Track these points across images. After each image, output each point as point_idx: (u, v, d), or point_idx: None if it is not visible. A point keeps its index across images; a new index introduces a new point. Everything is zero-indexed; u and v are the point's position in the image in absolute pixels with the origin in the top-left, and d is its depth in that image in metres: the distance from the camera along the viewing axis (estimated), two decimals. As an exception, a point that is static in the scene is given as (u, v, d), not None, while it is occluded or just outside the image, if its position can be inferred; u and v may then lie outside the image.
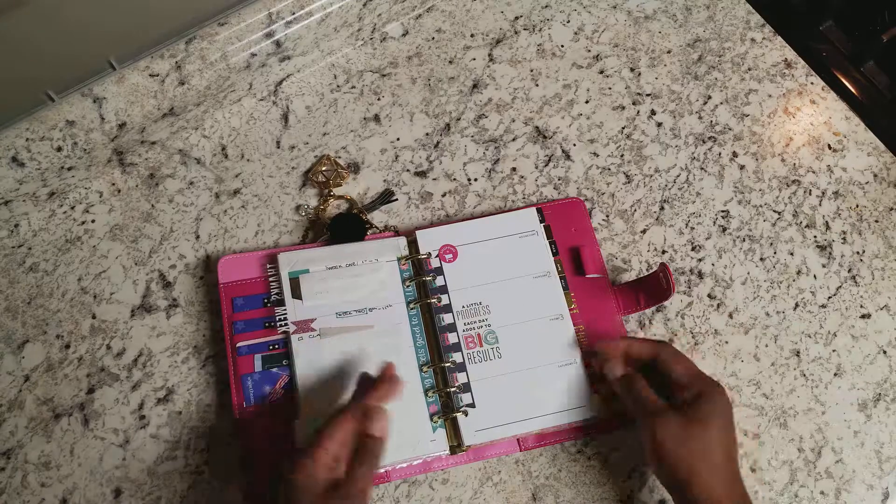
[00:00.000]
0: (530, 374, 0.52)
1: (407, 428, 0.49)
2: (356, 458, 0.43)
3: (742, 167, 0.63)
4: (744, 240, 0.60)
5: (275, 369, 0.51)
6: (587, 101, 0.65)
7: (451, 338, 0.53)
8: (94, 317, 0.55)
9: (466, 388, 0.51)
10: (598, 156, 0.63)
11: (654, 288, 0.53)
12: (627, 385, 0.49)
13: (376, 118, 0.64)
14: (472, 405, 0.51)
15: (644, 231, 0.60)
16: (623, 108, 0.65)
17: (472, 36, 0.67)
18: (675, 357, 0.49)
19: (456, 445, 0.50)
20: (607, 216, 0.60)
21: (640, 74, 0.66)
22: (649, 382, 0.49)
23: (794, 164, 0.63)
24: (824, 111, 0.66)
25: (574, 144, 0.63)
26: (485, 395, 0.51)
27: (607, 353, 0.50)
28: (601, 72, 0.66)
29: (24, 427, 0.52)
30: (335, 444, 0.42)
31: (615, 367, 0.50)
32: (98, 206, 0.59)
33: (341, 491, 0.41)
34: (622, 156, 0.63)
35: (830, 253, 0.60)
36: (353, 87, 0.65)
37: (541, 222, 0.57)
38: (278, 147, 0.62)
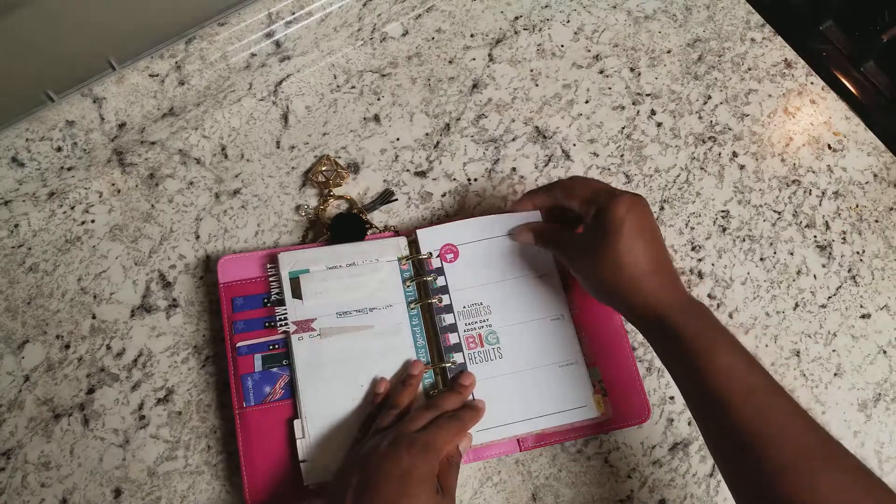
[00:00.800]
0: (531, 375, 0.52)
1: None
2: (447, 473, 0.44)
3: (742, 167, 0.63)
4: (744, 240, 0.60)
5: (275, 369, 0.51)
6: (587, 101, 0.65)
7: (452, 338, 0.53)
8: (94, 317, 0.55)
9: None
10: (597, 156, 0.63)
11: (654, 288, 0.53)
12: (542, 240, 0.52)
13: (376, 118, 0.64)
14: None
15: (644, 231, 0.60)
16: (623, 108, 0.65)
17: (472, 36, 0.67)
18: (569, 191, 0.49)
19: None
20: (607, 216, 0.60)
21: (640, 74, 0.66)
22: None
23: (794, 164, 0.63)
24: (824, 111, 0.66)
25: (574, 144, 0.63)
26: (485, 396, 0.51)
27: (516, 232, 0.54)
28: (601, 72, 0.66)
29: (24, 427, 0.52)
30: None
31: (524, 236, 0.53)
32: (98, 206, 0.59)
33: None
34: (622, 156, 0.63)
35: (830, 253, 0.60)
36: (353, 87, 0.65)
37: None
38: (278, 147, 0.62)
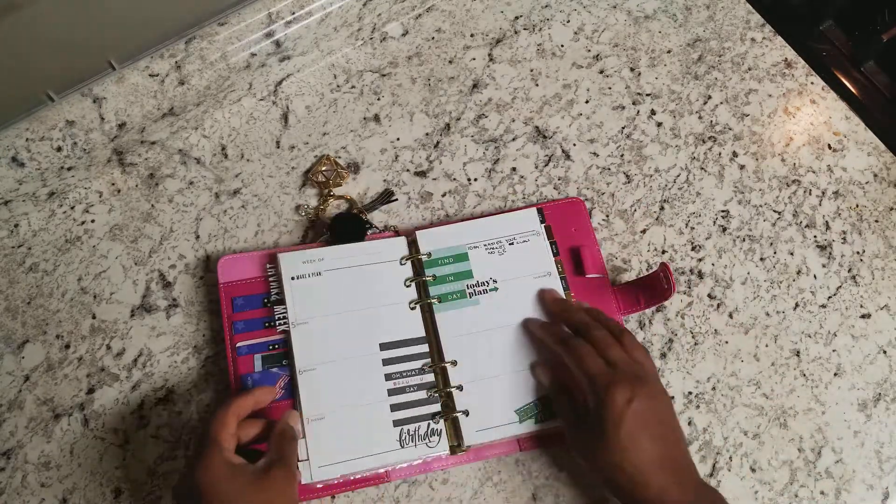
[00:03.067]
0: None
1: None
2: (277, 441, 0.44)
3: (742, 167, 0.63)
4: (744, 240, 0.60)
5: (275, 369, 0.51)
6: (587, 101, 0.65)
7: (452, 338, 0.53)
8: (94, 317, 0.55)
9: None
10: (598, 156, 0.63)
11: (654, 288, 0.53)
12: (556, 398, 0.48)
13: (376, 118, 0.63)
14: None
15: (644, 231, 0.60)
16: (623, 107, 0.65)
17: (472, 36, 0.67)
18: (578, 361, 0.46)
19: (456, 445, 0.50)
20: (607, 216, 0.60)
21: (640, 74, 0.66)
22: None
23: (794, 163, 0.63)
24: (824, 111, 0.66)
25: (574, 144, 0.63)
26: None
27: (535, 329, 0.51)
28: (601, 72, 0.66)
29: (24, 427, 0.52)
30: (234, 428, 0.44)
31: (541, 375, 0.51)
32: (98, 206, 0.59)
33: (272, 472, 0.41)
34: (622, 156, 0.63)
35: (830, 253, 0.60)
36: (353, 87, 0.65)
37: (541, 223, 0.57)
38: (278, 147, 0.62)
